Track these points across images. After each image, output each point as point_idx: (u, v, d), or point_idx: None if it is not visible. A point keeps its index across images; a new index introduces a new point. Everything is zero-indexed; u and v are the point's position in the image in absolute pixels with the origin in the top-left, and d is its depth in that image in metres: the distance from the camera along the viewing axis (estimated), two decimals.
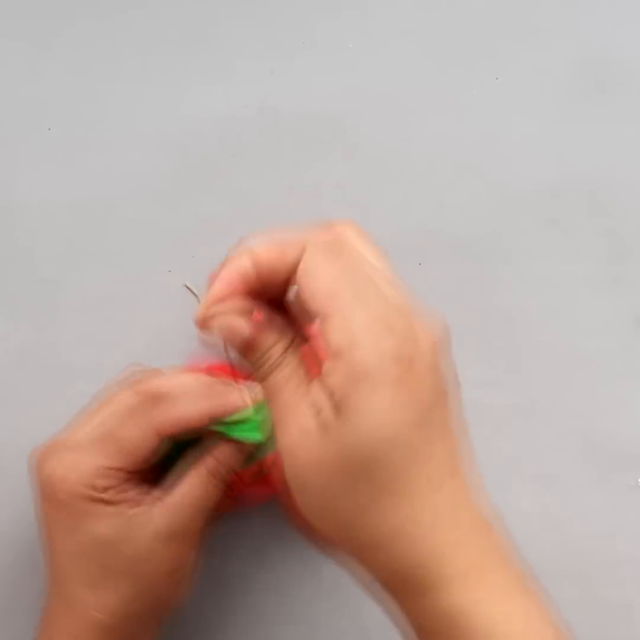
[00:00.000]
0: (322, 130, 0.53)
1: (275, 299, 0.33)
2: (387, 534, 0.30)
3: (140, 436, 0.38)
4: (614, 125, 0.54)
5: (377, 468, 0.30)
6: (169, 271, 0.51)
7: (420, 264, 0.51)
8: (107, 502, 0.38)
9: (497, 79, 0.54)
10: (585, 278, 0.52)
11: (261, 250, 0.32)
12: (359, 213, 0.52)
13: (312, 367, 0.32)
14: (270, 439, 0.40)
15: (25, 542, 0.48)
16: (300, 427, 0.31)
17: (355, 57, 0.54)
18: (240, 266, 0.32)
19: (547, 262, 0.52)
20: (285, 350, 0.33)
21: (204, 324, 0.32)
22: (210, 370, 0.47)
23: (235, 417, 0.40)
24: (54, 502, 0.38)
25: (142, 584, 0.38)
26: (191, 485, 0.39)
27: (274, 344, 0.32)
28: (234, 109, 0.54)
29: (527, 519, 0.47)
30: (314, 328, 0.31)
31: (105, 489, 0.38)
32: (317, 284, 0.31)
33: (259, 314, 0.33)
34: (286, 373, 0.32)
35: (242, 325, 0.32)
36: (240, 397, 0.39)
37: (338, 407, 0.30)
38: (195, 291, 0.51)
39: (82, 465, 0.38)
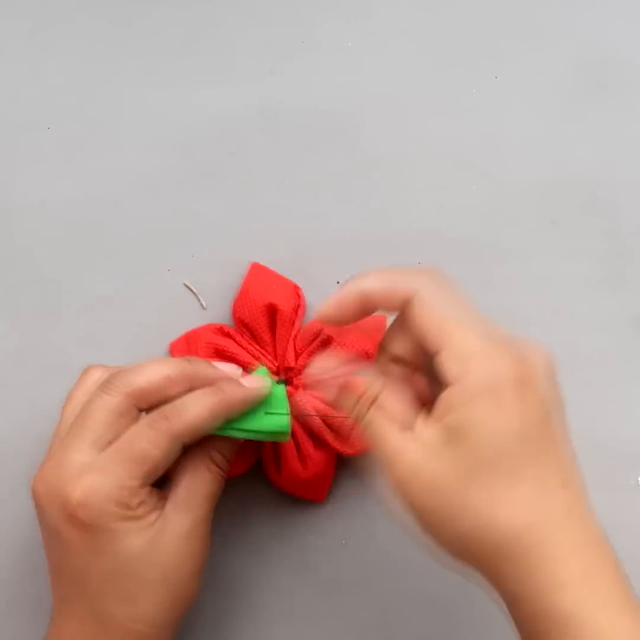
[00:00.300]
0: (322, 130, 0.53)
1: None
2: (498, 538, 0.33)
3: (156, 447, 0.38)
4: (614, 124, 0.54)
5: (496, 473, 0.33)
6: (169, 270, 0.51)
7: (419, 263, 0.51)
8: (139, 517, 0.38)
9: (496, 78, 0.54)
10: (585, 278, 0.52)
11: (374, 282, 0.36)
12: (359, 212, 0.52)
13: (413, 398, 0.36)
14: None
15: (25, 542, 0.48)
16: (412, 463, 0.34)
17: (355, 56, 0.54)
18: (354, 291, 0.37)
19: (547, 262, 0.52)
20: (383, 390, 0.36)
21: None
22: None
23: (246, 425, 0.40)
24: (83, 527, 0.37)
25: (176, 589, 0.39)
26: (199, 479, 0.40)
27: (372, 385, 0.36)
28: (234, 108, 0.54)
29: None
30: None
31: (138, 505, 0.38)
32: (432, 317, 0.34)
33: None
34: (387, 412, 0.35)
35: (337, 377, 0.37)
36: (243, 389, 0.40)
37: (454, 430, 0.33)
38: (195, 290, 0.51)
39: (109, 485, 0.37)
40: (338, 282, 0.51)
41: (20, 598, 0.47)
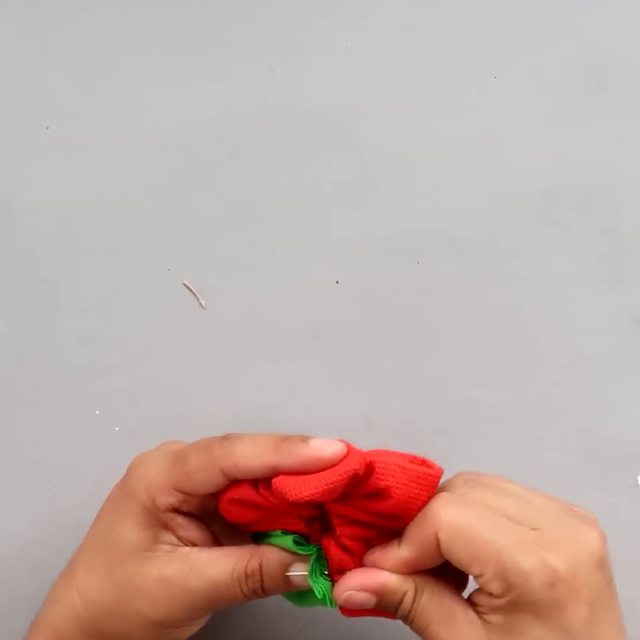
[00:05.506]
0: (322, 129, 0.53)
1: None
2: None
3: (204, 467, 0.37)
4: (613, 124, 0.54)
5: None
6: (168, 270, 0.51)
7: (418, 262, 0.51)
8: (158, 524, 0.38)
9: (496, 77, 0.54)
10: (584, 277, 0.52)
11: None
12: (358, 212, 0.52)
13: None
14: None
15: (25, 541, 0.48)
16: None
17: (354, 55, 0.54)
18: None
19: (546, 261, 0.52)
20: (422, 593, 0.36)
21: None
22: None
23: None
24: (123, 491, 0.39)
25: (126, 608, 0.38)
26: (218, 571, 0.37)
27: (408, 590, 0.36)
28: (234, 108, 0.54)
29: None
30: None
31: (165, 509, 0.37)
32: (462, 550, 0.34)
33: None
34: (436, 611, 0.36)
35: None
36: (301, 449, 0.36)
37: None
38: (194, 290, 0.51)
39: (157, 476, 0.38)
40: (337, 282, 0.51)
41: (20, 597, 0.47)
